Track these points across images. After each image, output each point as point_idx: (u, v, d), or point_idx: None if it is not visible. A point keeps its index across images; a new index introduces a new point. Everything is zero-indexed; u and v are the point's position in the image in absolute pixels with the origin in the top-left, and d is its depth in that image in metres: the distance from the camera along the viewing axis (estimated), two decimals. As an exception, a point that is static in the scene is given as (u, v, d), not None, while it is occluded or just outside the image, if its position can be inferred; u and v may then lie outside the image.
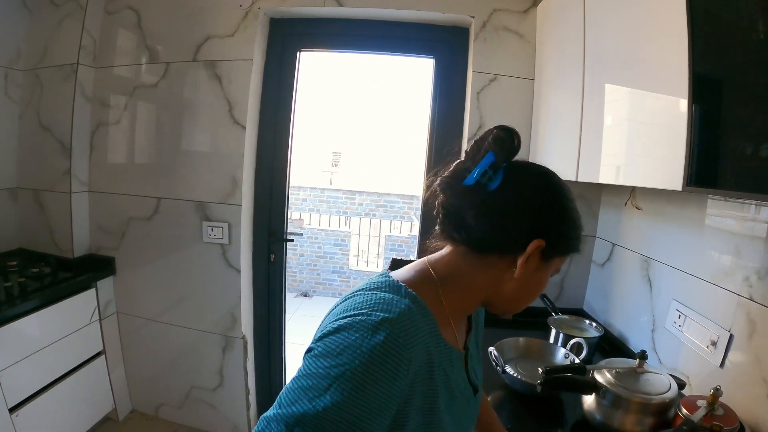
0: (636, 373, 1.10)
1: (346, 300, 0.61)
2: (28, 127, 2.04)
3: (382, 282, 0.63)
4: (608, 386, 1.06)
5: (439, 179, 0.66)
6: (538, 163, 0.68)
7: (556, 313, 1.70)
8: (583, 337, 1.48)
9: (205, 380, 2.18)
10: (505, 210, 0.62)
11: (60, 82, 1.97)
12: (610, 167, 1.27)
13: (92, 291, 2.01)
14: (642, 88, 1.12)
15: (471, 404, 0.73)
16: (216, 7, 1.91)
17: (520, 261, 0.61)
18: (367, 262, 6.77)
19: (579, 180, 1.38)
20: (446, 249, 0.68)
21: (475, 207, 0.62)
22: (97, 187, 2.09)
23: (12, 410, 1.62)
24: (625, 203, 1.65)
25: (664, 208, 1.46)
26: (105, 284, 2.09)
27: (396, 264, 0.73)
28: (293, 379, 0.53)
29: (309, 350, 0.55)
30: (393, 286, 0.62)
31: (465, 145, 1.84)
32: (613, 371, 1.11)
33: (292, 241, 2.20)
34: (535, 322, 1.71)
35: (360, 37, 2.02)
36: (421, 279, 0.65)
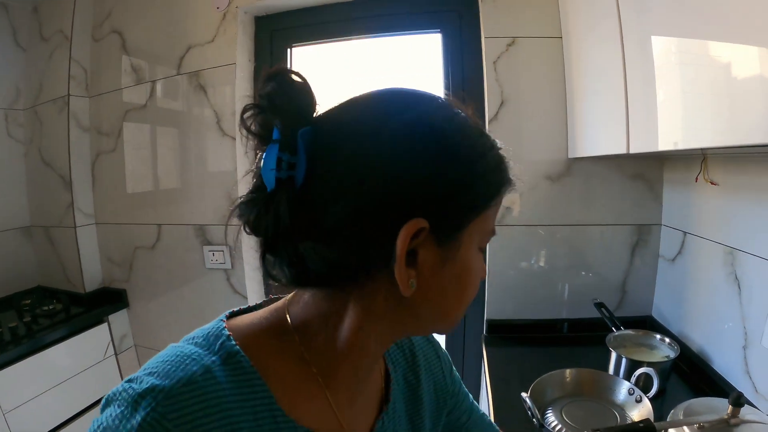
0: (729, 427, 0.75)
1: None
2: (33, 165, 2.04)
3: (207, 328, 0.43)
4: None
5: (238, 202, 0.41)
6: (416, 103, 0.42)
7: (617, 328, 1.32)
8: (653, 362, 1.11)
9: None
10: (330, 204, 0.38)
11: (55, 115, 1.93)
12: (671, 129, 0.90)
13: (104, 326, 1.95)
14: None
15: None
16: (193, 14, 1.77)
17: (397, 273, 0.38)
18: None
19: (632, 152, 1.03)
20: None
21: (292, 220, 0.37)
22: (103, 219, 2.03)
23: None
24: (696, 178, 1.23)
25: (751, 181, 1.06)
26: (118, 318, 2.03)
27: (269, 303, 0.49)
28: None
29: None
30: (211, 336, 0.42)
31: (487, 128, 1.54)
32: (695, 427, 0.77)
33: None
34: (590, 337, 1.38)
35: (355, 21, 1.76)
36: (269, 326, 0.44)
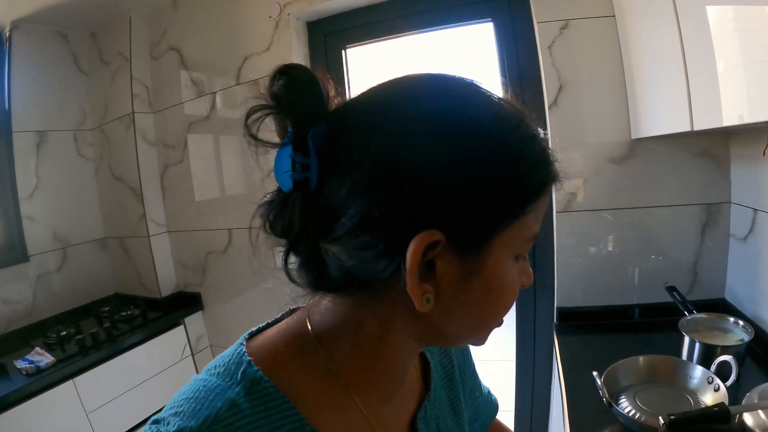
0: None
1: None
2: (104, 181, 2.15)
3: (228, 355, 0.41)
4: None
5: (261, 201, 0.39)
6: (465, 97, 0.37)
7: (690, 312, 1.28)
8: (727, 346, 1.09)
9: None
10: (341, 209, 0.34)
11: (122, 132, 2.03)
12: (735, 102, 0.87)
13: (181, 328, 2.05)
14: None
15: None
16: (248, 25, 1.82)
17: (409, 288, 0.33)
18: None
19: (696, 129, 1.00)
20: None
21: (304, 223, 0.35)
22: (175, 227, 2.13)
23: None
24: (764, 152, 1.16)
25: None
26: (194, 320, 2.12)
27: (289, 314, 0.47)
28: None
29: None
30: (232, 364, 0.39)
31: (548, 117, 1.54)
32: None
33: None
34: (662, 323, 1.36)
35: (406, 17, 1.77)
36: (291, 340, 0.41)
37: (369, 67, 1.88)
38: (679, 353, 1.18)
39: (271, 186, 0.40)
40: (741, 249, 1.42)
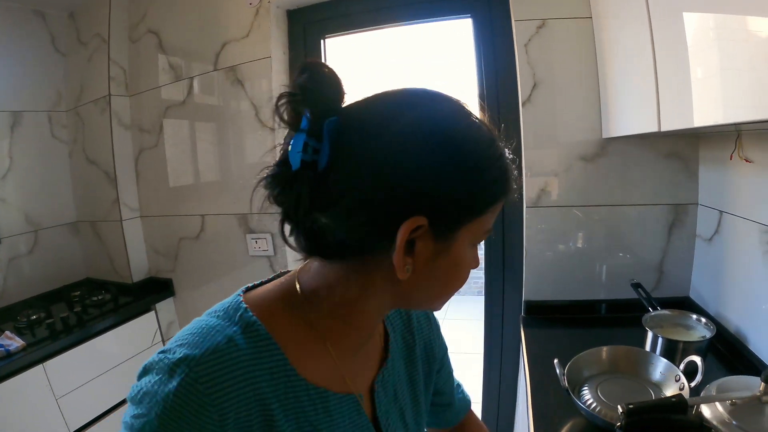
0: (761, 404, 0.77)
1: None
2: (78, 163, 2.11)
3: (226, 302, 0.49)
4: (722, 428, 0.75)
5: (265, 174, 0.45)
6: (438, 97, 0.46)
7: (654, 308, 1.31)
8: (689, 342, 1.12)
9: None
10: (346, 192, 0.41)
11: (98, 115, 2.00)
12: (706, 105, 0.88)
13: (152, 314, 2.02)
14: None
15: None
16: (227, 11, 1.80)
17: (395, 260, 0.42)
18: None
19: (663, 129, 1.02)
20: None
21: (311, 198, 0.42)
22: (148, 212, 2.10)
23: None
24: (731, 156, 1.21)
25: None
26: (165, 306, 2.09)
27: (281, 276, 0.55)
28: None
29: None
30: (231, 309, 0.48)
31: (521, 114, 1.55)
32: (728, 403, 0.78)
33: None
34: (627, 318, 1.39)
35: (386, 10, 1.77)
36: (281, 298, 0.50)
37: (348, 57, 1.88)
38: (642, 348, 1.20)
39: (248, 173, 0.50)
40: (706, 249, 1.46)
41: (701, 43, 0.90)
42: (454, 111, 0.45)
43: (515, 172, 0.49)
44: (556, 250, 1.60)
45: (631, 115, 1.27)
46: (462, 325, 3.95)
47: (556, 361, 1.08)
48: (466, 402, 0.80)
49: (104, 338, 1.83)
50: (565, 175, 1.55)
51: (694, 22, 0.92)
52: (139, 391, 0.42)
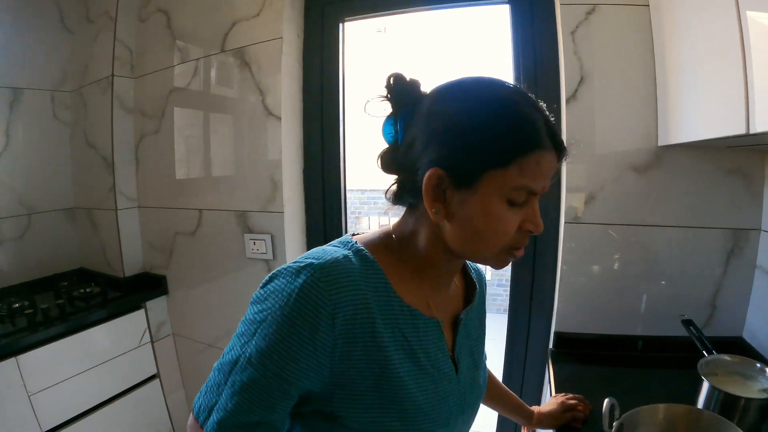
0: None
1: None
2: (78, 147, 1.99)
3: (337, 240, 0.62)
4: None
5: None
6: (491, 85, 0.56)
7: (709, 351, 1.05)
8: (754, 398, 0.86)
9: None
10: (407, 155, 0.58)
11: (99, 96, 1.86)
12: None
13: (141, 312, 1.86)
14: None
15: (455, 383, 0.64)
16: (240, -14, 1.64)
17: (425, 203, 0.55)
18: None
19: (753, 132, 0.80)
20: None
21: (394, 167, 0.61)
22: (146, 202, 1.95)
23: None
24: None
25: None
26: (157, 304, 1.93)
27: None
28: None
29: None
30: (344, 242, 0.61)
31: (565, 112, 1.33)
32: None
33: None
34: (668, 359, 1.21)
35: None
36: (381, 240, 0.63)
37: (369, 42, 1.70)
38: (692, 397, 0.97)
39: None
40: (767, 283, 1.20)
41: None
42: (496, 80, 0.56)
43: (552, 128, 0.54)
44: (594, 275, 1.36)
45: (704, 116, 1.03)
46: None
47: (610, 403, 0.85)
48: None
49: (88, 334, 1.69)
50: (610, 187, 1.30)
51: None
52: (264, 292, 0.53)
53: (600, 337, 1.36)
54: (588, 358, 1.33)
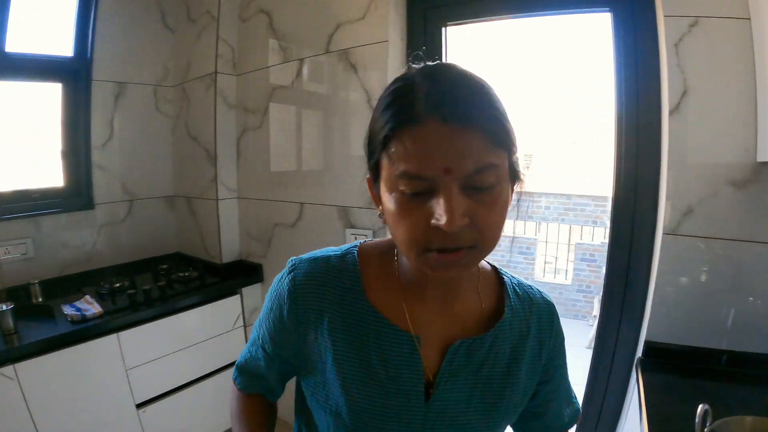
0: None
1: None
2: (179, 139, 2.12)
3: (352, 242, 0.66)
4: None
5: None
6: None
7: None
8: None
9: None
10: None
11: (203, 92, 1.98)
12: None
13: (237, 297, 2.00)
14: None
15: (419, 408, 0.57)
16: (342, -9, 1.71)
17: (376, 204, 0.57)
18: (555, 272, 5.82)
19: None
20: None
21: None
22: (246, 194, 2.07)
23: (139, 406, 1.70)
24: None
25: None
26: (252, 291, 2.07)
27: None
28: None
29: None
30: (350, 245, 0.65)
31: (667, 124, 1.37)
32: None
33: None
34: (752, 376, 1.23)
35: None
36: (380, 248, 0.64)
37: (468, 46, 1.76)
38: None
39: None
40: None
41: None
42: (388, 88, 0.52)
43: (436, 96, 0.45)
44: (685, 286, 1.40)
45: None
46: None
47: (704, 409, 0.92)
48: (562, 420, 0.72)
49: (185, 316, 1.82)
50: (708, 201, 1.34)
51: None
52: (271, 288, 0.65)
53: (686, 348, 1.38)
54: (676, 368, 1.35)
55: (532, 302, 0.65)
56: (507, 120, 0.48)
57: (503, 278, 0.65)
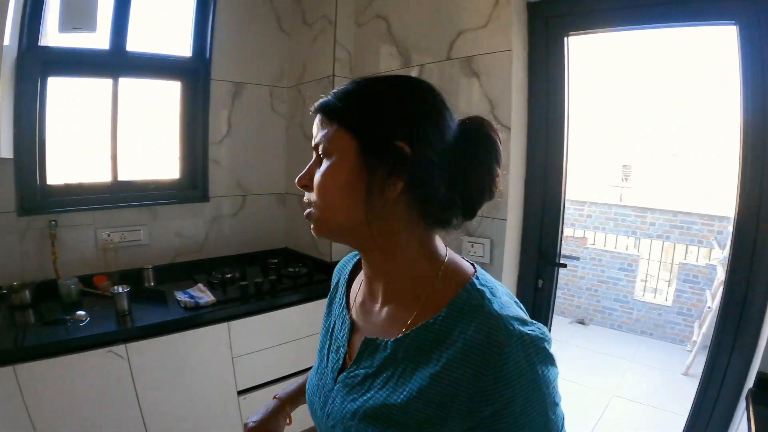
0: None
1: None
2: (293, 138, 2.23)
3: None
4: None
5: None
6: None
7: None
8: None
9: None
10: None
11: (319, 93, 2.07)
12: None
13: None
14: None
15: (330, 382, 0.66)
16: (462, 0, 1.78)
17: None
18: (656, 291, 5.41)
19: None
20: None
21: None
22: (357, 194, 2.17)
23: (240, 393, 1.79)
24: None
25: None
26: (359, 288, 2.17)
27: None
28: None
29: None
30: None
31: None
32: None
33: (564, 266, 1.84)
34: None
35: (639, 9, 1.65)
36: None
37: (589, 56, 1.81)
38: None
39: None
40: None
41: None
42: None
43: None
44: None
45: None
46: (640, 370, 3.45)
47: None
48: None
49: (292, 311, 1.89)
50: None
51: None
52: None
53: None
54: None
55: (473, 325, 0.52)
56: (362, 106, 0.58)
57: (465, 296, 0.56)
